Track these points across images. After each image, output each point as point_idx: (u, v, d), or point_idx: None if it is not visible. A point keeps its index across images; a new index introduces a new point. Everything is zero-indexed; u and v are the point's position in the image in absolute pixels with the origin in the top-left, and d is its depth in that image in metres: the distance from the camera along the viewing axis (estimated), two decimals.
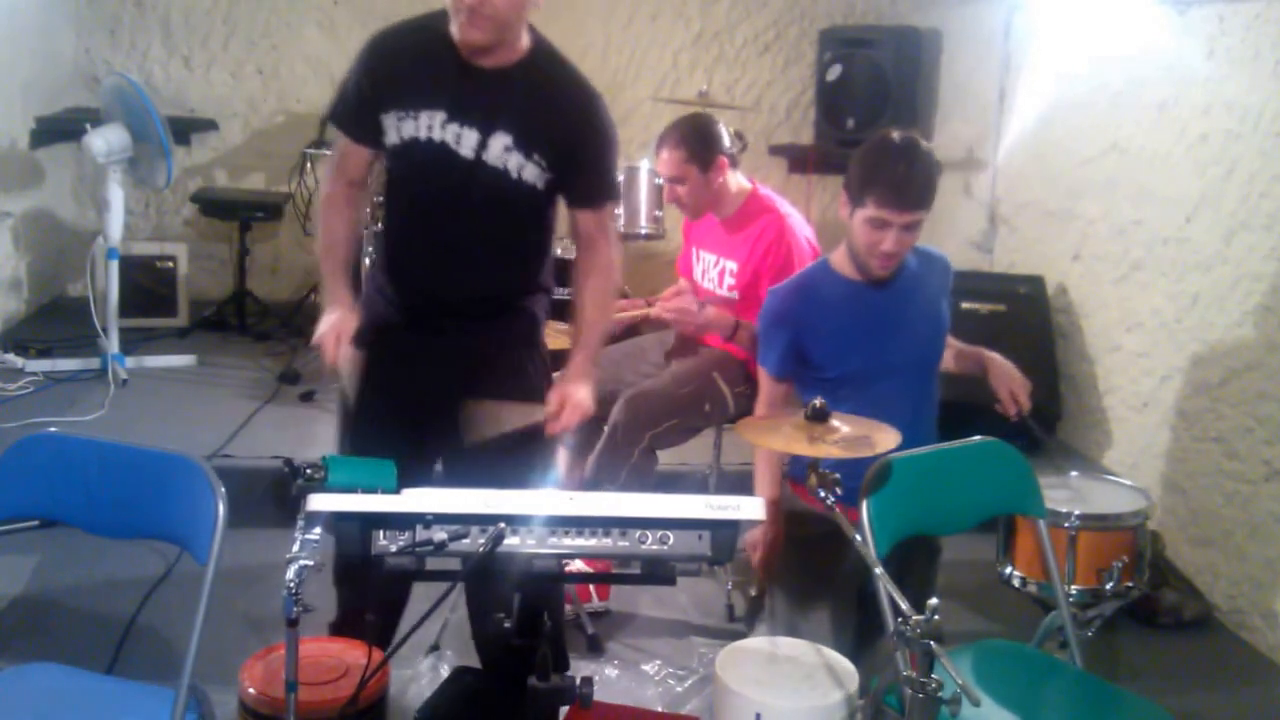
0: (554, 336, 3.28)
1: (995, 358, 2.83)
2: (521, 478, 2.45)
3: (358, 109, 2.45)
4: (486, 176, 2.39)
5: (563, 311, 3.82)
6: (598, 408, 3.39)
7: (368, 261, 3.61)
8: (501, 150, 2.38)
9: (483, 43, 2.32)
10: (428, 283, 2.50)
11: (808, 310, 2.69)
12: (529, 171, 2.40)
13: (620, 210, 4.39)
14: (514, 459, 2.47)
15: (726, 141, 3.47)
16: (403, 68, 2.39)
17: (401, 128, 2.39)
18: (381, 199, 2.60)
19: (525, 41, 2.41)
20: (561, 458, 3.47)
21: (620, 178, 4.36)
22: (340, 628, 2.61)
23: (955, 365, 2.87)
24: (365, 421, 2.55)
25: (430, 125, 2.37)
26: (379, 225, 2.63)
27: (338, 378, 2.47)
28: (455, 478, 2.51)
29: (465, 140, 2.37)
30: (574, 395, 2.44)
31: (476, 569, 1.67)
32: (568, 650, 3.16)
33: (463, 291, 2.49)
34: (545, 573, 1.75)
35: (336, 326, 2.37)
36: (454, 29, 2.30)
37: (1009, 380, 2.75)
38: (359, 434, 2.57)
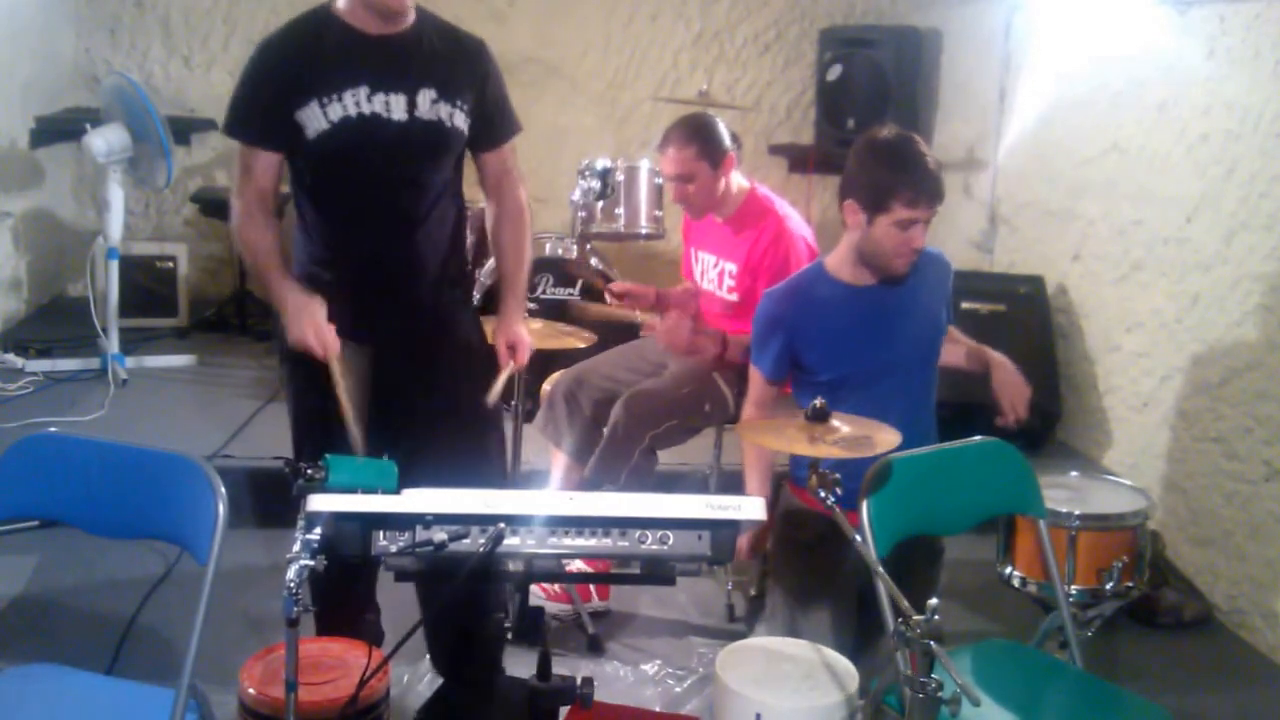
0: (556, 336, 3.29)
1: (1001, 363, 2.84)
2: (477, 460, 2.57)
3: (263, 114, 2.49)
4: (421, 132, 2.49)
5: (563, 312, 3.84)
6: (598, 410, 3.42)
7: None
8: (429, 104, 2.48)
9: (408, 8, 2.45)
10: (377, 257, 2.55)
11: (802, 314, 2.70)
12: (459, 118, 2.53)
13: (620, 210, 4.40)
14: (469, 436, 2.56)
15: (729, 141, 3.47)
16: (309, 59, 2.46)
17: (327, 112, 2.44)
18: (299, 207, 2.64)
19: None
20: (559, 460, 3.49)
21: (620, 178, 4.37)
22: (324, 624, 2.59)
23: (965, 362, 2.88)
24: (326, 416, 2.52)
25: (357, 101, 2.44)
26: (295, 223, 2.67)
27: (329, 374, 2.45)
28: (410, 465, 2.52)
29: (394, 105, 2.46)
30: (519, 336, 2.62)
31: (476, 569, 1.67)
32: (570, 649, 3.17)
33: (414, 259, 2.56)
34: (545, 572, 1.75)
35: (310, 317, 2.41)
36: (370, 5, 2.41)
37: (1011, 389, 2.78)
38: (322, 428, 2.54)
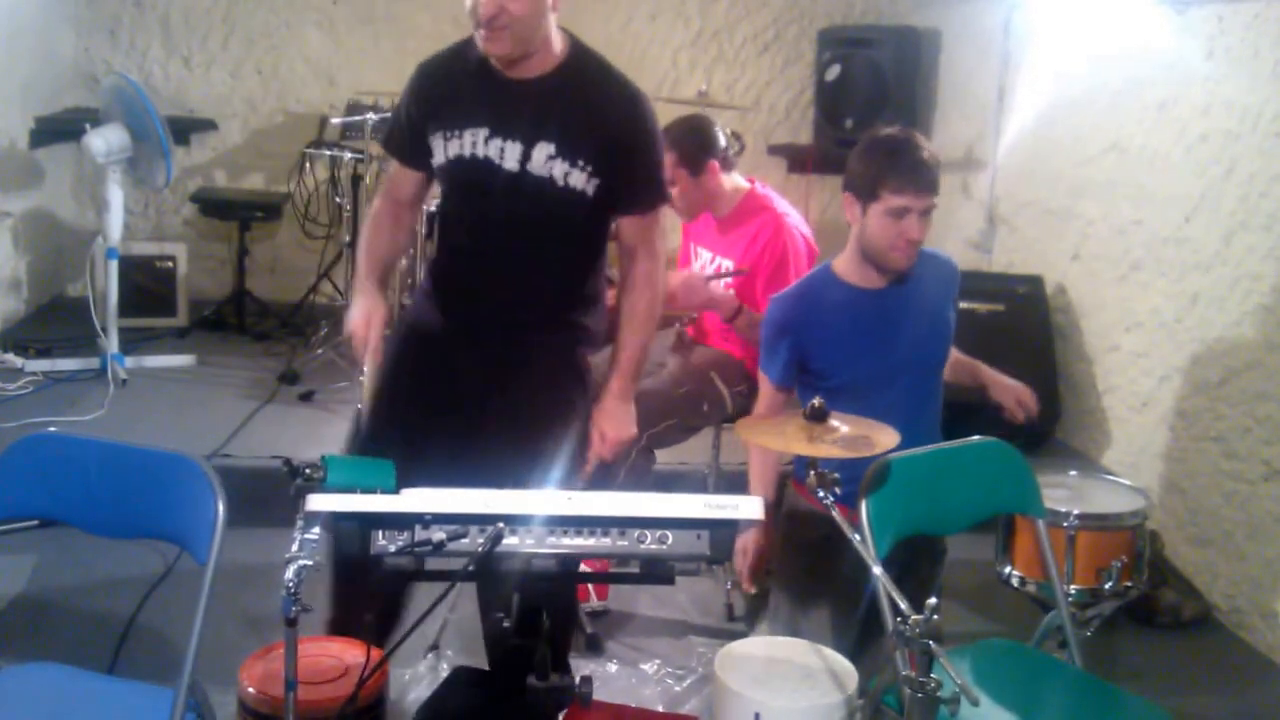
0: None
1: (989, 374, 2.86)
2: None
3: (408, 134, 2.53)
4: (531, 186, 2.40)
5: None
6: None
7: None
8: (545, 159, 2.39)
9: (508, 54, 2.36)
10: (471, 295, 2.54)
11: (810, 318, 2.69)
12: (575, 178, 2.39)
13: None
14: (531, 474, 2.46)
15: (722, 143, 3.46)
16: (444, 90, 2.47)
17: (448, 147, 2.44)
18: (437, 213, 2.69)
19: (560, 46, 2.44)
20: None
21: None
22: (336, 626, 2.61)
23: (950, 374, 2.87)
24: (387, 419, 2.56)
25: (474, 142, 2.41)
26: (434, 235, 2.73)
27: (359, 372, 2.51)
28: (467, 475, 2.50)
29: (509, 154, 2.40)
30: (607, 430, 2.50)
31: (476, 569, 1.67)
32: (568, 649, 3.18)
33: (505, 303, 2.50)
34: (546, 572, 1.75)
35: (368, 314, 2.42)
36: (481, 45, 2.35)
37: (1013, 391, 2.79)
38: (377, 431, 2.59)
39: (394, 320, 2.62)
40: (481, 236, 2.50)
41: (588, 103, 2.41)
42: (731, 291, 3.42)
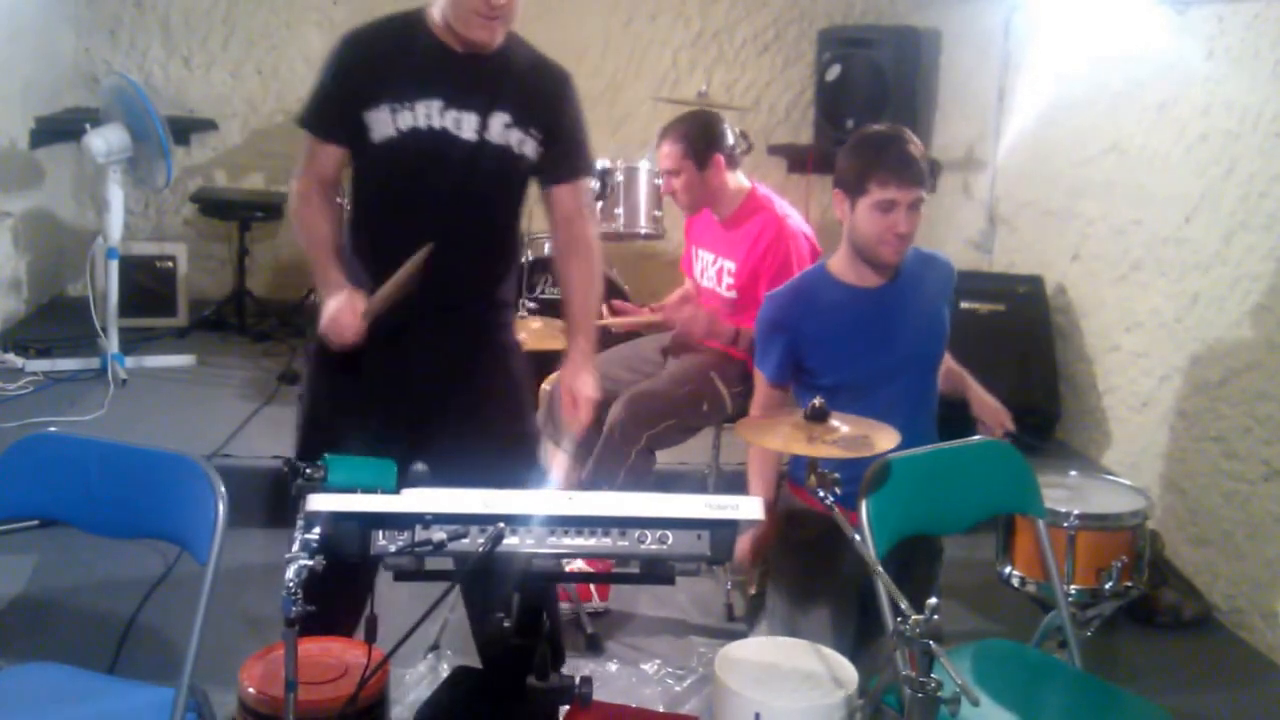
0: (556, 336, 3.29)
1: (976, 389, 2.87)
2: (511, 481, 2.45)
3: (338, 109, 2.45)
4: (491, 155, 2.44)
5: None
6: (596, 409, 3.41)
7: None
8: (502, 128, 2.44)
9: (495, 42, 2.40)
10: (427, 272, 2.48)
11: (805, 316, 2.69)
12: (529, 146, 2.48)
13: (620, 209, 4.40)
14: (502, 463, 2.46)
15: (730, 141, 3.48)
16: (389, 63, 2.43)
17: (397, 119, 2.41)
18: (353, 210, 2.60)
19: None
20: (559, 460, 3.49)
21: (620, 178, 4.37)
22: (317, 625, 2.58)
23: (941, 382, 2.88)
24: (341, 416, 2.50)
25: (428, 113, 2.41)
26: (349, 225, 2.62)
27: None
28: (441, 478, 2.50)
29: (465, 124, 2.42)
30: (582, 389, 2.49)
31: (476, 569, 1.67)
32: (567, 649, 3.17)
33: (461, 278, 2.50)
34: (545, 572, 1.75)
35: (347, 305, 2.36)
36: (467, 29, 2.36)
37: (994, 413, 2.82)
38: (326, 428, 2.51)
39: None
40: (433, 208, 2.46)
41: (534, 76, 2.51)
42: (735, 294, 3.43)
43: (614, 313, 3.66)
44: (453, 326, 2.52)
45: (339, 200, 2.62)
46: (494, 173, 2.47)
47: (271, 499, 3.71)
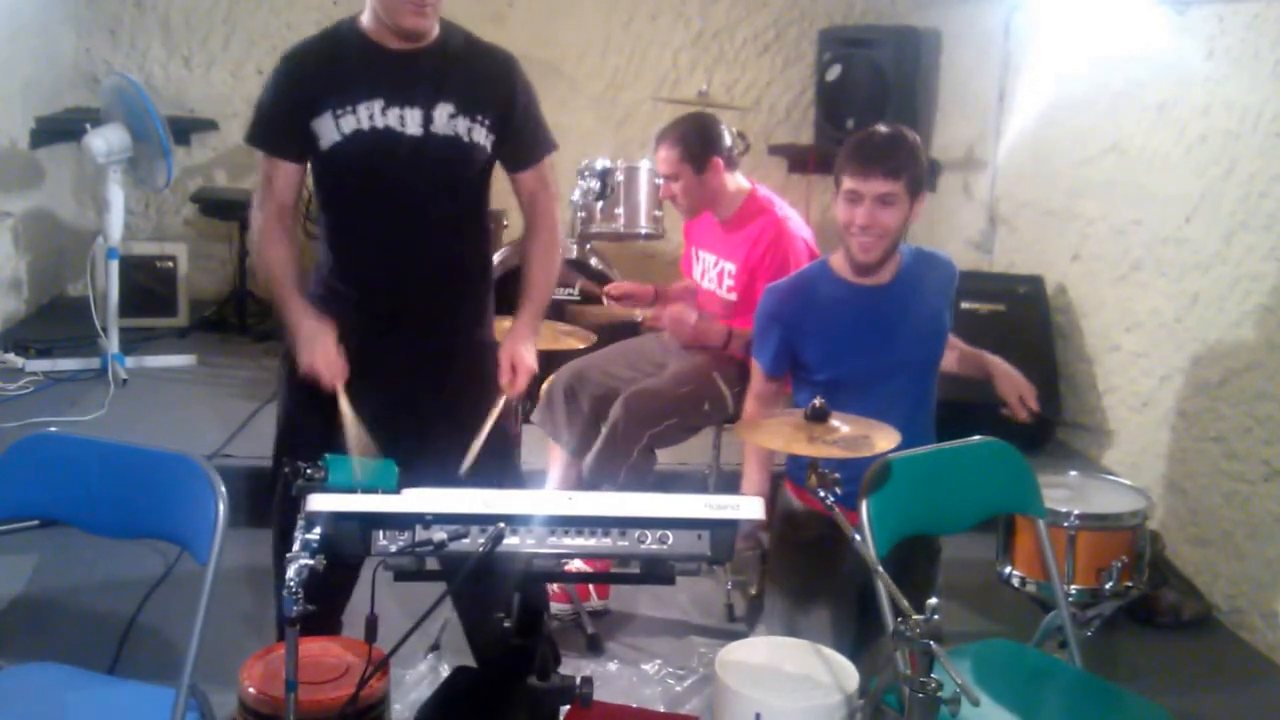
0: (555, 336, 3.29)
1: (999, 363, 2.84)
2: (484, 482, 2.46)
3: (285, 122, 2.46)
4: (437, 147, 2.45)
5: (561, 311, 3.82)
6: (597, 407, 3.42)
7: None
8: (447, 118, 2.45)
9: (428, 30, 2.42)
10: (389, 274, 2.52)
11: (803, 310, 2.70)
12: (478, 133, 2.49)
13: (620, 210, 4.40)
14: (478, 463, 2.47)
15: (727, 142, 3.47)
16: (327, 70, 2.44)
17: (341, 124, 2.42)
18: (319, 212, 2.60)
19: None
20: (558, 458, 3.49)
21: (620, 178, 4.37)
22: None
23: (959, 367, 2.88)
24: (315, 416, 2.48)
25: (371, 114, 2.42)
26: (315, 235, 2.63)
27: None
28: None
29: (409, 119, 2.43)
30: (523, 357, 2.52)
31: (476, 569, 1.67)
32: (569, 650, 3.17)
33: (426, 277, 2.52)
34: (545, 572, 1.75)
35: (321, 347, 2.38)
36: (398, 19, 2.38)
37: (1017, 386, 2.78)
38: (301, 429, 2.54)
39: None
40: (387, 208, 2.48)
41: (476, 65, 2.51)
42: (735, 295, 3.43)
43: (613, 298, 3.67)
44: (423, 322, 2.53)
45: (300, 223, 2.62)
46: (445, 163, 2.48)
47: (272, 499, 3.71)
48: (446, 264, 2.55)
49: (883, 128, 2.67)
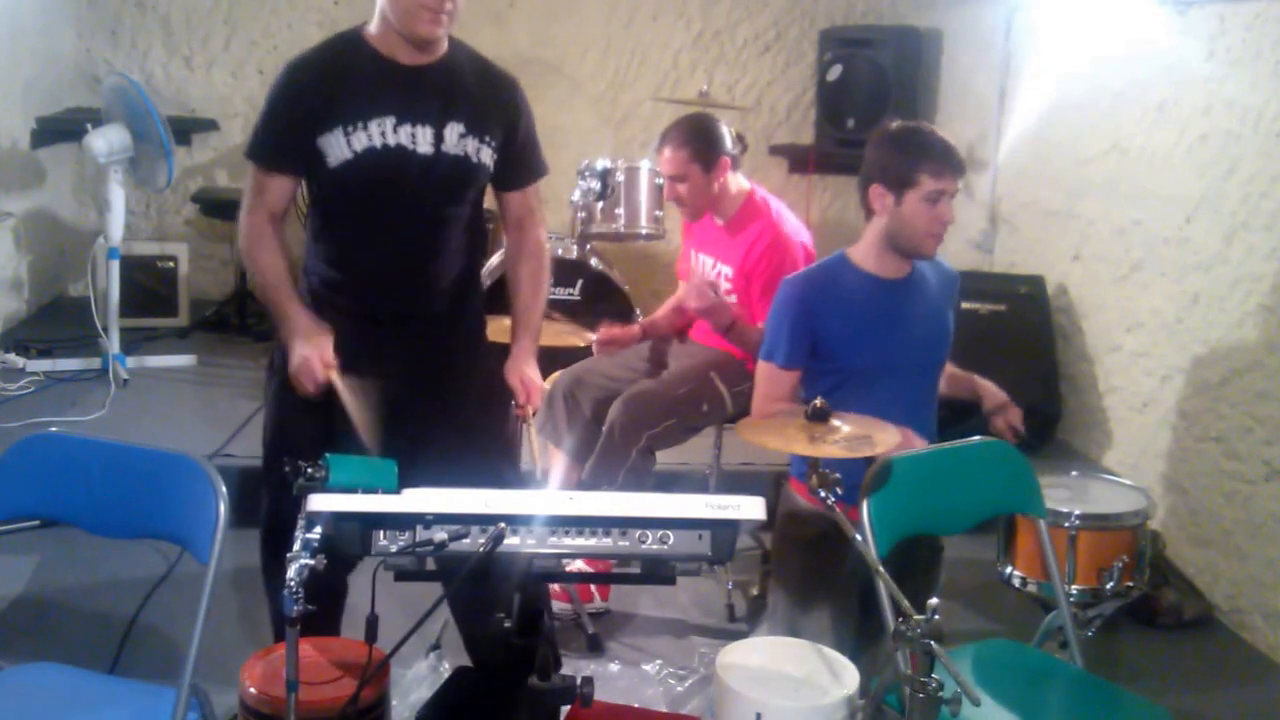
0: (555, 335, 3.29)
1: (987, 385, 2.87)
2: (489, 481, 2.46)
3: (289, 139, 2.43)
4: (447, 166, 2.45)
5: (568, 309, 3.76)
6: (597, 411, 3.42)
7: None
8: (458, 138, 2.44)
9: (442, 38, 2.40)
10: (393, 286, 2.51)
11: (826, 298, 2.69)
12: (485, 153, 2.49)
13: (620, 210, 4.40)
14: (482, 463, 2.49)
15: (729, 143, 3.47)
16: (336, 85, 2.40)
17: (352, 141, 2.39)
18: (314, 224, 2.58)
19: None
20: (559, 460, 3.49)
21: (621, 178, 4.37)
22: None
23: (948, 387, 2.88)
24: (308, 418, 2.47)
25: (382, 131, 2.40)
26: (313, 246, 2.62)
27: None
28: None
29: (420, 138, 2.42)
30: (531, 378, 2.56)
31: (477, 569, 1.67)
32: (570, 650, 3.17)
33: (430, 291, 2.52)
34: (545, 572, 1.75)
35: (317, 348, 2.36)
36: (413, 25, 2.35)
37: (1003, 409, 2.81)
38: (293, 432, 2.52)
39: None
40: (396, 223, 2.46)
41: (484, 83, 2.51)
42: (734, 297, 3.42)
43: (602, 343, 3.61)
44: (423, 332, 2.53)
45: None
46: (452, 182, 2.48)
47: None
48: (446, 271, 2.54)
49: (924, 125, 2.69)
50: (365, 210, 2.47)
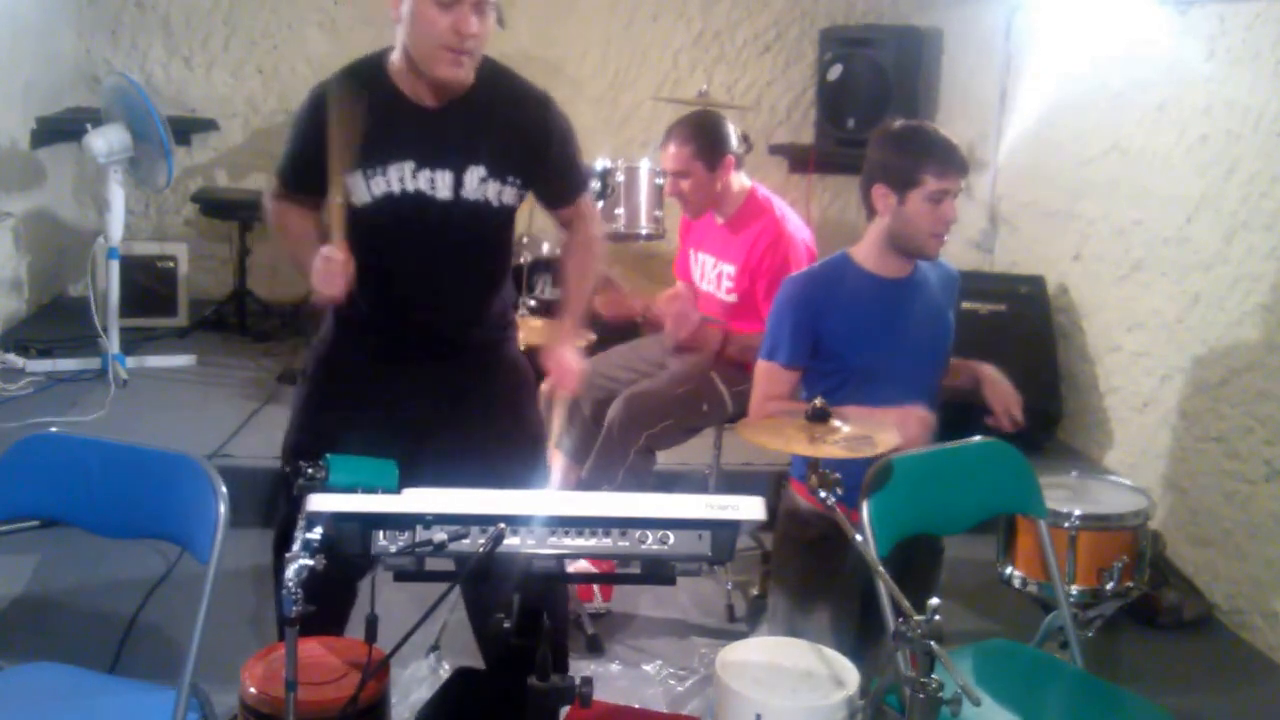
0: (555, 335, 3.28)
1: (989, 371, 2.83)
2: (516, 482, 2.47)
3: (318, 167, 2.39)
4: (465, 211, 2.42)
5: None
6: (598, 412, 3.42)
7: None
8: (478, 183, 2.41)
9: (465, 80, 2.33)
10: (418, 320, 2.50)
11: (829, 298, 2.68)
12: (507, 195, 2.46)
13: (620, 210, 4.39)
14: (509, 466, 2.49)
15: (734, 142, 3.47)
16: (357, 126, 2.36)
17: (372, 185, 2.38)
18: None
19: None
20: (559, 460, 3.49)
21: (620, 178, 4.37)
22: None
23: (947, 379, 2.87)
24: (338, 416, 2.48)
25: (401, 177, 2.38)
26: None
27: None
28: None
29: (440, 183, 2.39)
30: (569, 360, 2.54)
31: (476, 569, 1.67)
32: (570, 649, 3.17)
33: (451, 327, 2.52)
34: (546, 573, 1.75)
35: (328, 258, 2.30)
36: (434, 68, 2.30)
37: (1004, 396, 2.77)
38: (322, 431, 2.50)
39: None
40: (414, 263, 2.46)
41: (508, 117, 2.43)
42: (735, 297, 3.42)
43: (604, 303, 3.65)
44: (451, 360, 2.53)
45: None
46: (471, 226, 2.45)
47: (272, 499, 3.71)
48: (469, 308, 2.54)
49: (927, 124, 2.69)
50: (387, 246, 2.45)
